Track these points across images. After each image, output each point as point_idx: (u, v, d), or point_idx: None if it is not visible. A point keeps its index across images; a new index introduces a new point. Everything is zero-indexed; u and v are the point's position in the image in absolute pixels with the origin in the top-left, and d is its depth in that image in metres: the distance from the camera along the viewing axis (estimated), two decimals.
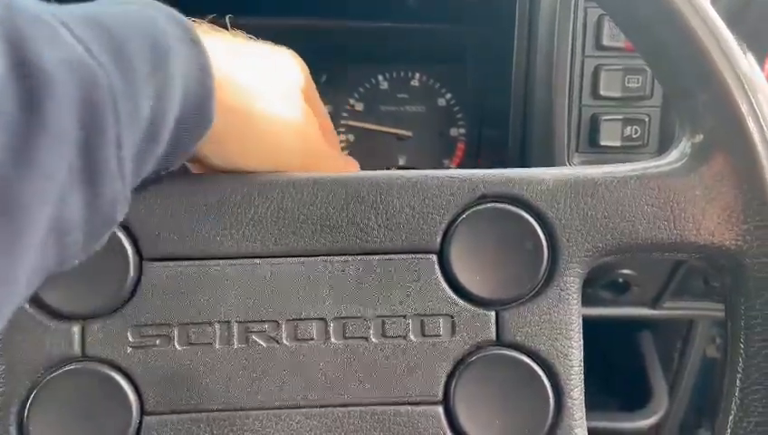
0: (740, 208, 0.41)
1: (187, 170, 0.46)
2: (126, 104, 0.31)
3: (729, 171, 0.41)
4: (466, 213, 0.42)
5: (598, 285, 0.90)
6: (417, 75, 0.98)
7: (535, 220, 0.42)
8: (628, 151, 0.74)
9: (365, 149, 0.99)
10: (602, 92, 0.73)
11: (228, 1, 0.85)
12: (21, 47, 0.26)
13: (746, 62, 0.40)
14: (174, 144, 0.37)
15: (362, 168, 0.96)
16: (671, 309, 0.95)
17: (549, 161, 0.75)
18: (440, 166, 0.99)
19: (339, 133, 0.98)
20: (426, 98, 0.98)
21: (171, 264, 0.41)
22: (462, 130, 0.99)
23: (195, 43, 0.36)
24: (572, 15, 0.72)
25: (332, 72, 0.97)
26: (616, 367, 1.17)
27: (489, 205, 0.42)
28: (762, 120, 0.39)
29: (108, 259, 0.40)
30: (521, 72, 0.77)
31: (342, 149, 0.98)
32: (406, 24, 0.90)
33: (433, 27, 0.90)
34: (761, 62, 0.87)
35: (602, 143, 0.73)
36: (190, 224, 0.41)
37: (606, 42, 0.72)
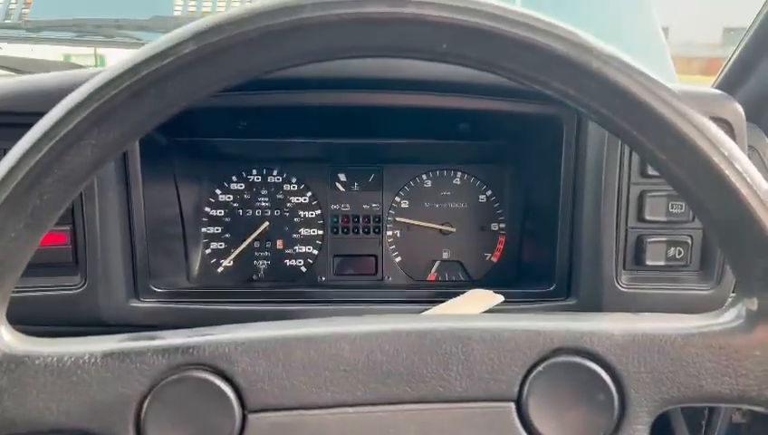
0: None
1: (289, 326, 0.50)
2: None
3: None
4: (542, 365, 0.47)
5: None
6: (459, 174, 1.04)
7: (606, 373, 0.47)
8: (671, 270, 0.80)
9: (412, 244, 1.04)
10: (647, 217, 0.78)
11: (282, 127, 0.91)
12: None
13: None
14: None
15: (410, 260, 1.03)
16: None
17: (598, 277, 0.80)
18: (482, 259, 1.04)
19: (387, 229, 1.03)
20: (467, 195, 1.04)
21: (271, 414, 0.46)
22: (502, 225, 1.04)
23: None
24: (619, 146, 0.77)
25: (379, 172, 1.04)
26: None
27: (563, 358, 0.47)
28: None
29: (215, 412, 0.45)
30: (568, 193, 0.83)
31: (390, 244, 1.04)
32: (454, 142, 0.95)
33: (479, 142, 0.95)
34: None
35: (648, 263, 0.79)
36: (289, 377, 0.46)
37: (651, 171, 0.77)
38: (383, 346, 0.46)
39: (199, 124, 0.88)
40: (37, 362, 0.43)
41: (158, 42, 0.41)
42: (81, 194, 0.75)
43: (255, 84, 0.77)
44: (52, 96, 0.43)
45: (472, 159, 1.02)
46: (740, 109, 0.78)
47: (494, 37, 0.41)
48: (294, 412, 0.46)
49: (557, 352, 0.47)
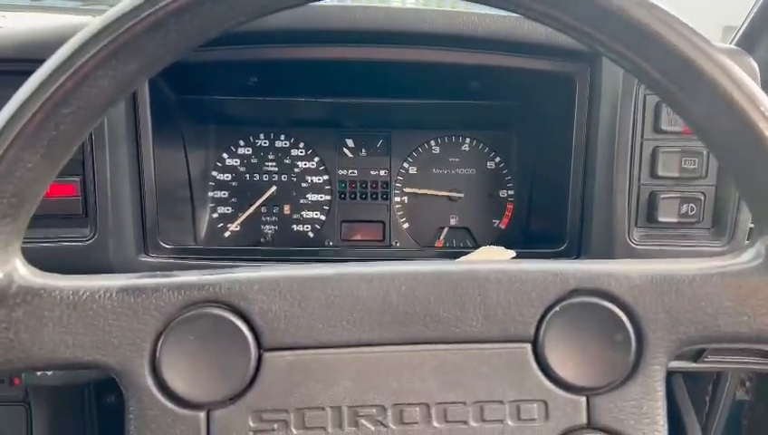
0: None
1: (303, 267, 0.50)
2: None
3: None
4: (559, 306, 0.46)
5: None
6: (468, 140, 1.03)
7: (623, 313, 0.47)
8: (684, 227, 0.79)
9: (419, 210, 1.04)
10: (660, 173, 0.78)
11: (292, 83, 0.90)
12: None
13: None
14: None
15: (417, 227, 1.02)
16: (713, 363, 0.99)
17: (609, 235, 0.79)
18: (490, 226, 1.04)
19: (394, 195, 1.03)
20: (475, 161, 1.03)
21: (287, 353, 0.45)
22: (511, 192, 1.04)
23: None
24: (633, 102, 0.77)
25: (387, 138, 1.03)
26: None
27: (580, 299, 0.47)
28: None
29: (231, 350, 0.44)
30: (580, 150, 0.82)
31: (398, 210, 1.03)
32: (465, 102, 0.94)
33: (488, 103, 0.95)
34: None
35: (660, 219, 0.78)
36: (305, 316, 0.45)
37: (664, 126, 0.77)
38: (400, 287, 0.46)
39: (209, 80, 0.87)
40: (53, 294, 0.43)
41: None
42: (91, 145, 0.74)
43: (267, 37, 0.77)
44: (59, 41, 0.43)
45: (480, 124, 1.01)
46: (755, 64, 0.77)
47: None
48: (310, 351, 0.45)
49: (574, 293, 0.46)
